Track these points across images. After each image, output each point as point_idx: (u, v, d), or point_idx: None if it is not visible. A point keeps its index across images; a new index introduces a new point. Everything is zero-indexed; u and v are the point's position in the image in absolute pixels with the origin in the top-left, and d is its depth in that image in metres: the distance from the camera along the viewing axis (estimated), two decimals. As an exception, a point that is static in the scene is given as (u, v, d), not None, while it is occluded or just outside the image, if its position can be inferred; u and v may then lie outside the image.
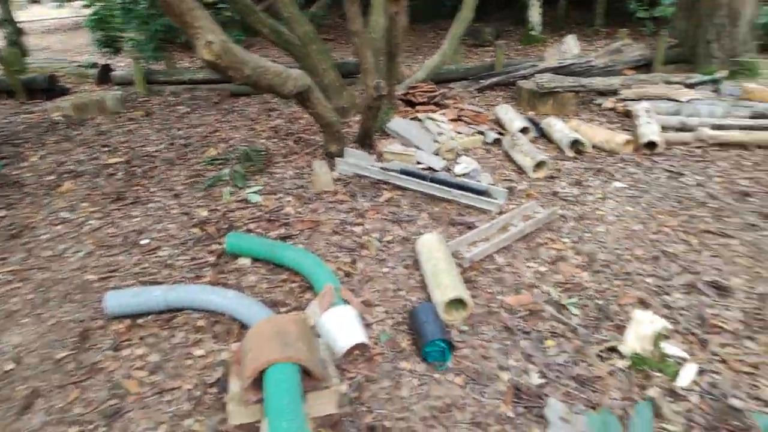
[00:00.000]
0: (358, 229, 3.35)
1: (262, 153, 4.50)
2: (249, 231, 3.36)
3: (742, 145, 4.37)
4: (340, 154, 4.09)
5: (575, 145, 4.38)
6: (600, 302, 2.62)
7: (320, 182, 3.85)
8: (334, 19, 12.65)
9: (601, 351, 2.32)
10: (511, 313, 2.58)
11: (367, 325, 2.50)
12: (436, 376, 2.21)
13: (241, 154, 4.37)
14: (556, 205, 3.56)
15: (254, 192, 3.84)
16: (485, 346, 2.38)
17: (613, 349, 2.32)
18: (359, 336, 2.28)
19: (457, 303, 2.56)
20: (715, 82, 5.57)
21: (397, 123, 4.57)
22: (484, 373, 2.22)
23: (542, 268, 2.92)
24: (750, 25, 6.07)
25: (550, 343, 2.39)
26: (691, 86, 5.55)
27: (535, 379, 2.19)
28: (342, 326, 2.31)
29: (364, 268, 2.96)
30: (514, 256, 3.05)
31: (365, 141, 4.19)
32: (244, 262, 3.01)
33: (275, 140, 4.94)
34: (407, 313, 2.56)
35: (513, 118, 4.87)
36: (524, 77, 5.89)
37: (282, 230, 3.35)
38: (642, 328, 2.28)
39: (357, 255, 3.08)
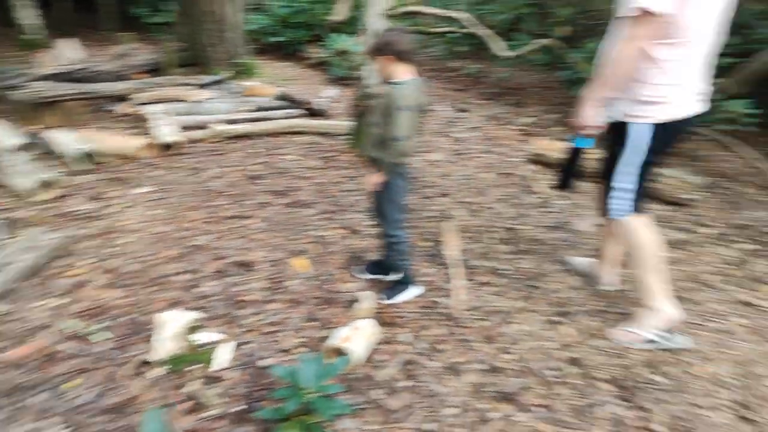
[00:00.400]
0: None
1: None
2: None
3: (249, 135, 4.89)
4: None
5: (89, 156, 3.96)
6: (131, 317, 2.40)
7: None
8: None
9: (135, 368, 2.11)
10: (16, 370, 2.06)
11: None
12: None
13: None
14: (71, 227, 3.10)
15: None
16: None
17: (146, 362, 2.15)
18: None
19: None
20: (221, 81, 6.08)
21: None
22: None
23: (60, 302, 2.48)
24: (240, 31, 6.88)
25: (73, 384, 2.02)
26: (202, 86, 5.87)
27: (59, 434, 1.80)
28: None
29: None
30: (20, 299, 2.47)
31: None
32: None
33: None
34: None
35: (3, 135, 4.01)
36: (14, 87, 4.96)
37: None
38: (166, 329, 2.18)
39: None
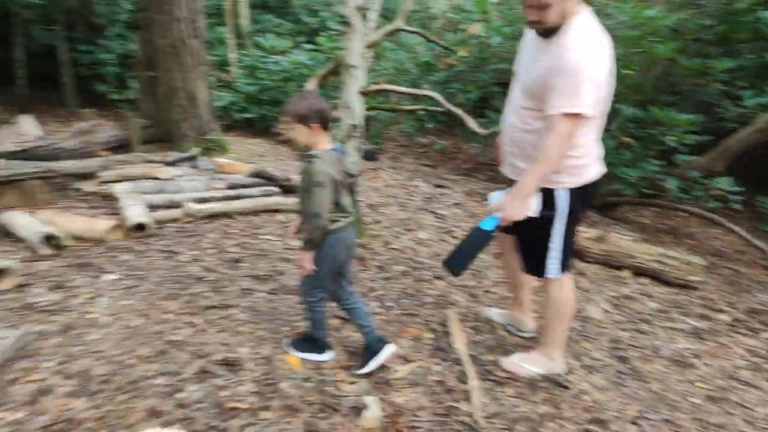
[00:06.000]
0: None
1: None
2: None
3: (225, 215, 4.67)
4: None
5: (50, 240, 3.64)
6: (102, 432, 2.06)
7: None
8: None
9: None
10: None
11: None
12: None
13: None
14: (32, 321, 2.76)
15: None
16: None
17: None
18: None
19: None
20: (191, 158, 5.90)
21: None
22: None
23: (19, 414, 2.12)
24: (209, 107, 6.81)
25: None
26: (171, 164, 5.68)
27: None
28: None
29: None
30: (-32, 415, 2.10)
31: None
32: None
33: None
34: None
35: (-46, 217, 3.66)
36: (-31, 165, 4.63)
37: None
38: (153, 452, 1.87)
39: None
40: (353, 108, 3.76)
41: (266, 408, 2.29)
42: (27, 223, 3.73)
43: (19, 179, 4.42)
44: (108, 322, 2.86)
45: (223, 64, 9.68)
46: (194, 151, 6.12)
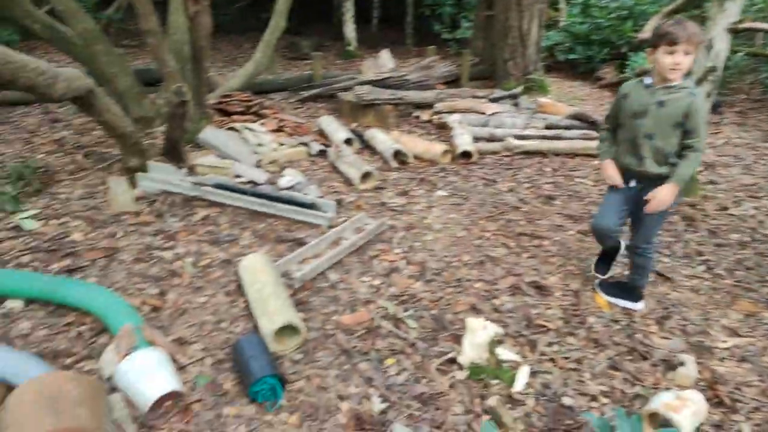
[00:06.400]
0: (167, 254, 2.85)
1: (41, 170, 3.68)
2: (21, 266, 2.65)
3: (541, 153, 4.82)
4: (143, 169, 3.50)
5: (398, 155, 4.40)
6: (435, 312, 2.55)
7: (118, 202, 3.24)
8: (136, 25, 11.41)
9: (440, 364, 2.22)
10: (348, 334, 2.36)
11: (181, 368, 2.08)
12: (268, 417, 1.89)
13: (12, 172, 3.51)
14: (385, 216, 3.47)
15: (29, 217, 3.08)
16: (322, 374, 2.13)
17: (452, 361, 2.24)
18: (168, 384, 1.86)
19: (289, 330, 2.27)
20: (514, 96, 6.16)
21: (211, 133, 4.11)
22: (321, 407, 1.97)
23: (377, 282, 2.78)
24: (537, 47, 6.88)
25: (390, 361, 2.23)
26: (494, 100, 6.04)
27: (378, 405, 2.00)
28: (146, 374, 1.88)
29: (176, 299, 2.51)
30: (348, 271, 2.86)
31: (173, 153, 3.66)
32: (14, 305, 2.34)
33: (59, 155, 4.10)
34: (230, 348, 2.19)
35: (336, 129, 4.74)
36: (345, 89, 5.85)
37: (67, 261, 2.72)
38: (476, 336, 2.23)
39: (167, 285, 2.61)
40: (716, 47, 3.31)
41: (572, 335, 2.44)
42: (384, 139, 4.57)
43: (378, 103, 5.39)
44: (439, 228, 3.39)
45: (553, 2, 9.49)
46: (517, 89, 6.35)
